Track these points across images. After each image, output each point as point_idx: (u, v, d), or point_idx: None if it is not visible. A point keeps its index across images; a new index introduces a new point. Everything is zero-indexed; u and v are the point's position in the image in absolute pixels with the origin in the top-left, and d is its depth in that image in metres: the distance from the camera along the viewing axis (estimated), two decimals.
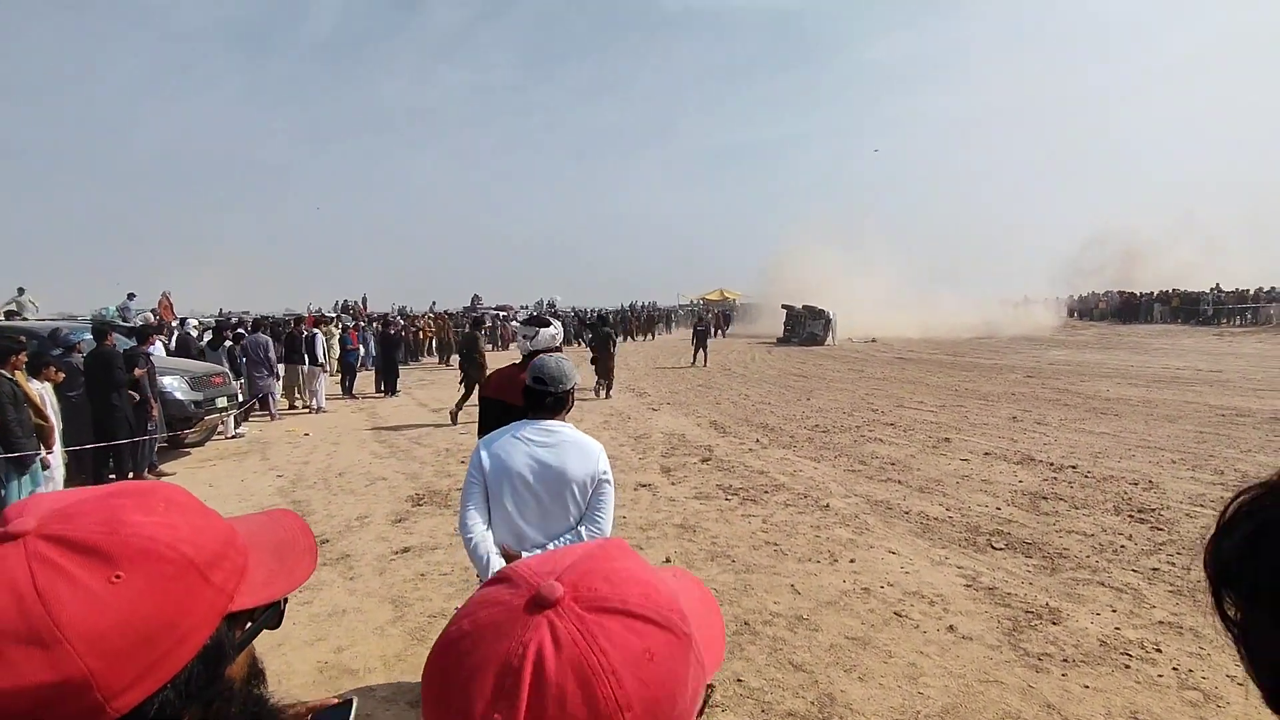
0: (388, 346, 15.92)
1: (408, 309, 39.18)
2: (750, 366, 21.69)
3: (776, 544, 5.67)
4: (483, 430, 3.19)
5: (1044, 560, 5.21)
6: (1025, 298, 42.35)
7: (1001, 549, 5.47)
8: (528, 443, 2.49)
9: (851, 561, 5.28)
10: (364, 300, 38.74)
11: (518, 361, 3.45)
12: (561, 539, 2.45)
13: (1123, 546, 5.45)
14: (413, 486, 7.71)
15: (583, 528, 2.46)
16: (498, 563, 2.44)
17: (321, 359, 13.80)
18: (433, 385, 17.85)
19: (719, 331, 39.20)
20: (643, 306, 49.02)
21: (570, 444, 2.49)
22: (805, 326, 30.91)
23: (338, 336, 17.74)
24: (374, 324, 23.09)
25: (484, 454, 2.53)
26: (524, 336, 3.40)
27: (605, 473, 2.50)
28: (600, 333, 15.04)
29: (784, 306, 33.10)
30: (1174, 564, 5.08)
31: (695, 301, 54.25)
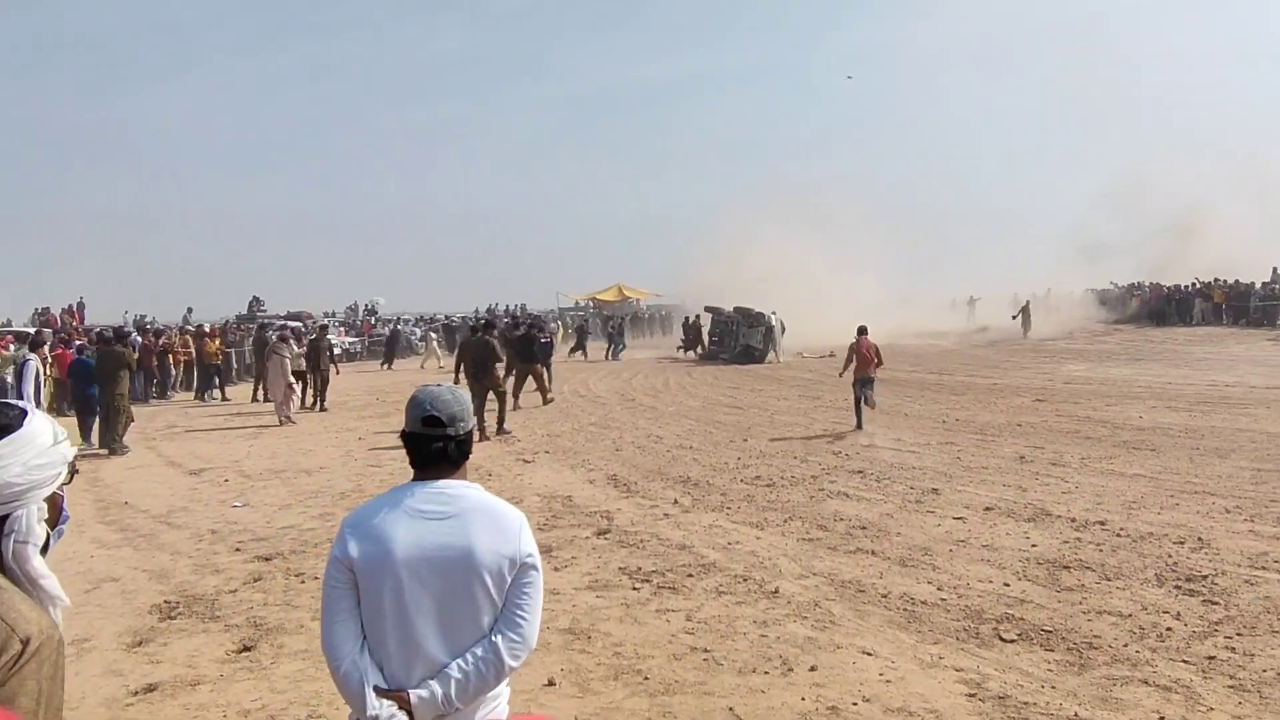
0: (94, 376, 15.15)
1: (149, 320, 37.51)
2: (662, 395, 21.92)
3: (707, 650, 5.70)
4: None
5: (1069, 654, 5.48)
6: (1049, 290, 45.06)
7: (1013, 640, 5.71)
8: (416, 515, 2.40)
9: (812, 670, 5.36)
10: (79, 307, 36.89)
11: None
12: (470, 655, 2.37)
13: (1169, 629, 5.80)
14: (159, 590, 7.31)
15: (499, 636, 2.39)
16: (384, 708, 2.32)
17: (30, 396, 13.04)
18: (189, 435, 17.05)
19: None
20: (513, 312, 48.90)
21: (478, 513, 2.43)
22: (738, 337, 31.54)
23: (44, 364, 16.77)
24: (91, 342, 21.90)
25: (351, 540, 2.41)
26: None
27: (530, 555, 2.45)
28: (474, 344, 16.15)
29: (708, 309, 33.76)
30: (1234, 649, 5.45)
31: (585, 304, 54.57)
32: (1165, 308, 43.25)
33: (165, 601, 7.00)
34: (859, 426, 14.42)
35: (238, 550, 8.38)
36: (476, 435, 2.63)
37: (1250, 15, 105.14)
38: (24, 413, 1.76)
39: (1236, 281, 41.41)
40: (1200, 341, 32.02)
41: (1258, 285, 40.79)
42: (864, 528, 8.54)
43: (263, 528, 9.18)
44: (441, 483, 2.45)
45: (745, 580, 7.07)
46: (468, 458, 2.52)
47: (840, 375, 14.12)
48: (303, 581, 7.36)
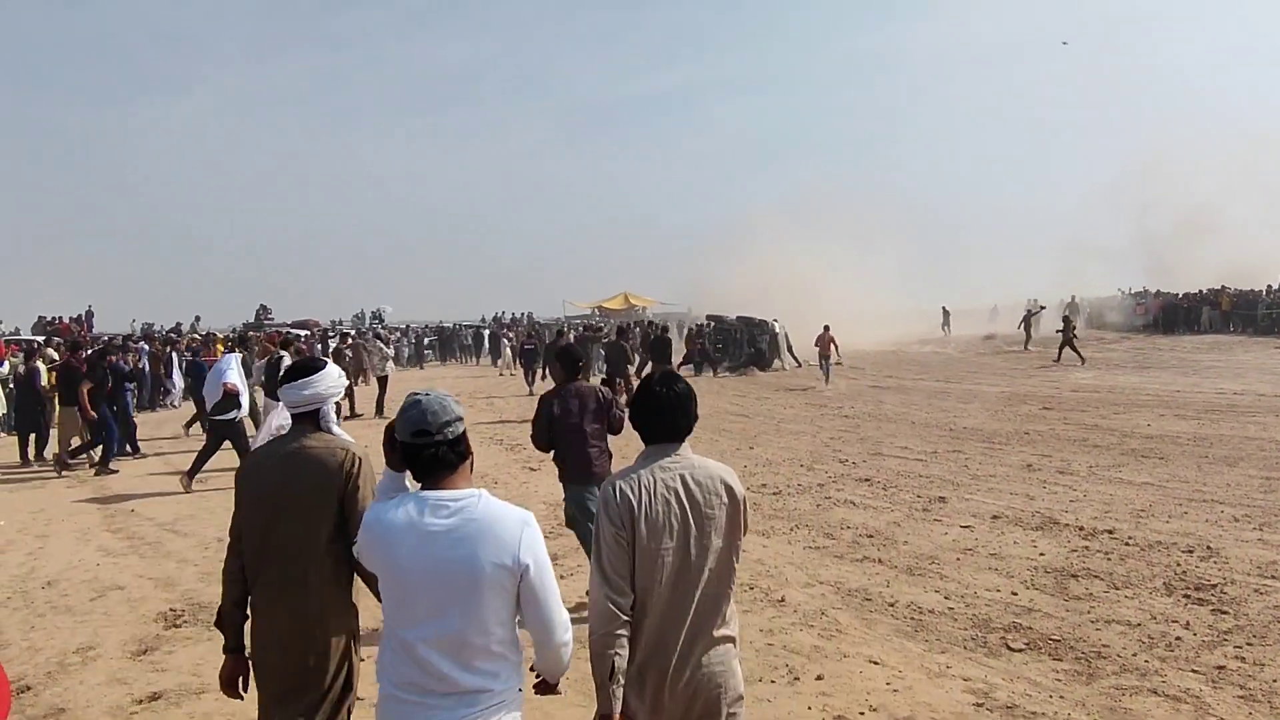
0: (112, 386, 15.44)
1: (155, 328, 37.66)
2: None
3: None
4: None
5: (1078, 663, 5.45)
6: (1074, 298, 44.52)
7: (1021, 650, 5.69)
8: (421, 529, 2.48)
9: (819, 679, 5.35)
10: (88, 316, 37.05)
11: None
12: (494, 672, 2.51)
13: (1178, 639, 5.77)
14: (165, 598, 7.33)
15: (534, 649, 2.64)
16: None
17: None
18: (198, 442, 17.05)
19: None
20: (518, 319, 49.15)
21: (477, 524, 2.49)
22: (742, 345, 31.64)
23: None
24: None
25: (364, 540, 2.63)
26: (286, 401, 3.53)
27: (531, 560, 2.51)
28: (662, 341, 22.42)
29: (710, 318, 33.88)
30: (1244, 659, 5.41)
31: (593, 312, 54.59)
32: (1173, 316, 42.98)
33: (171, 609, 7.01)
34: (826, 382, 24.13)
35: None
36: None
37: (1258, 18, 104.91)
38: (326, 361, 3.60)
39: (1250, 291, 41.20)
40: (1208, 349, 31.88)
41: (1265, 293, 40.61)
42: (871, 536, 8.51)
43: None
44: (443, 493, 2.53)
45: (751, 588, 7.05)
46: (465, 459, 2.61)
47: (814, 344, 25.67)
48: None
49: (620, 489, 2.88)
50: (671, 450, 2.98)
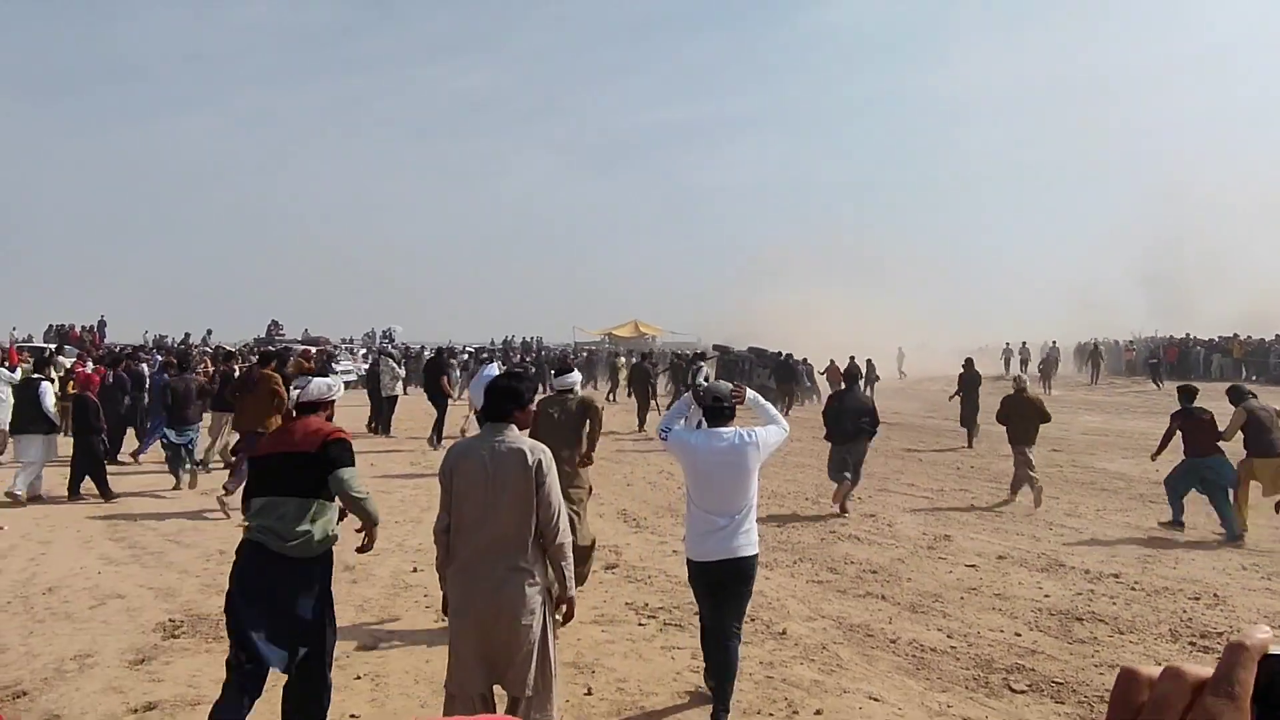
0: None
1: (168, 339, 37.87)
2: None
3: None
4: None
5: (1080, 707, 5.40)
6: (1096, 344, 43.39)
7: (1023, 691, 5.64)
8: (708, 442, 5.16)
9: (818, 714, 5.32)
10: (100, 326, 37.26)
11: None
12: (748, 509, 5.17)
13: None
14: (165, 608, 7.32)
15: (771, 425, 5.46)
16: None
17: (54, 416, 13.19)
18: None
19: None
20: (528, 343, 49.28)
21: (739, 439, 5.10)
22: (750, 378, 31.55)
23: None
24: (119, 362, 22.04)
25: (676, 448, 5.31)
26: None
27: (760, 450, 5.17)
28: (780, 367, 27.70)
29: (716, 349, 33.85)
30: None
31: (604, 339, 54.69)
32: (1185, 361, 42.52)
33: (170, 620, 7.00)
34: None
35: None
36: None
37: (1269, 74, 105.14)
38: (574, 365, 9.16)
39: (1262, 340, 40.94)
40: (1219, 397, 31.66)
41: (1277, 340, 40.41)
42: (874, 572, 8.47)
43: None
44: (722, 429, 5.10)
45: (752, 620, 7.01)
46: (734, 416, 5.19)
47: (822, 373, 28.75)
48: None
49: (449, 451, 4.32)
50: (502, 429, 4.19)
